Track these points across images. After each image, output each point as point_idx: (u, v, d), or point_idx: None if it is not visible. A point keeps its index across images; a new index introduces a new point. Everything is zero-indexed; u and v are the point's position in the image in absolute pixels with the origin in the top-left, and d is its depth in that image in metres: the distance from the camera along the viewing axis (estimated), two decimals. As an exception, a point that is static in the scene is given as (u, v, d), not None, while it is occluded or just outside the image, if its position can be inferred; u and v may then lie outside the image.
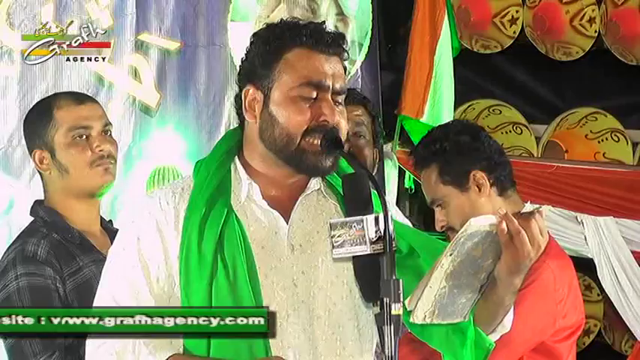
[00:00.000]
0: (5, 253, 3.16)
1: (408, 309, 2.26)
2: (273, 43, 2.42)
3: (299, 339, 2.36)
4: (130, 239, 2.40)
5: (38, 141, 3.24)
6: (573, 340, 3.34)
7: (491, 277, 2.29)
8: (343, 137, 2.40)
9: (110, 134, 3.28)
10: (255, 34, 2.48)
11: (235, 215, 2.37)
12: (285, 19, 2.49)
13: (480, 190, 3.38)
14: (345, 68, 2.45)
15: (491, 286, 2.31)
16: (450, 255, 2.20)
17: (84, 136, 3.21)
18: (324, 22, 2.49)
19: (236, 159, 2.46)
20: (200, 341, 2.31)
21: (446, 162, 3.39)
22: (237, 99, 2.48)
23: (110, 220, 3.41)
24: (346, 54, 2.44)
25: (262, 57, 2.43)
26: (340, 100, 2.41)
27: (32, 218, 3.25)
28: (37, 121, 3.27)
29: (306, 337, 2.37)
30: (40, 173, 3.29)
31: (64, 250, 3.12)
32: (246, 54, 2.49)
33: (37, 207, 3.26)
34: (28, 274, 3.05)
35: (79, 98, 3.34)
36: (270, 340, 2.30)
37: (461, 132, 3.45)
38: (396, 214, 2.60)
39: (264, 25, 2.51)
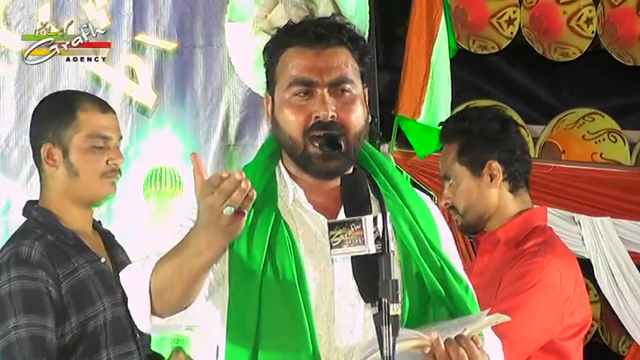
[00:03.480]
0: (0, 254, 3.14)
1: None
2: (271, 48, 2.43)
3: (345, 342, 2.34)
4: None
5: (52, 136, 3.18)
6: (581, 337, 3.34)
7: None
8: (355, 127, 2.37)
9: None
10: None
11: (284, 220, 2.37)
12: (290, 21, 2.48)
13: (491, 180, 3.38)
14: (358, 56, 2.41)
15: None
16: None
17: (101, 146, 3.19)
18: (321, 17, 2.46)
19: (280, 163, 2.46)
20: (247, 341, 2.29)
21: (467, 143, 3.39)
22: None
23: (99, 221, 3.38)
24: (353, 42, 2.40)
25: (266, 63, 2.45)
26: (346, 89, 2.37)
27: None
28: (55, 116, 3.21)
29: (352, 339, 2.34)
30: (39, 168, 3.23)
31: (59, 251, 3.09)
32: None
33: (30, 207, 3.22)
34: (21, 277, 3.02)
35: (102, 106, 3.30)
36: (319, 343, 2.29)
37: (492, 119, 3.45)
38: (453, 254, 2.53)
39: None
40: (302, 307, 2.29)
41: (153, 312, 2.26)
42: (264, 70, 2.47)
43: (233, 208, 2.11)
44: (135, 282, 2.29)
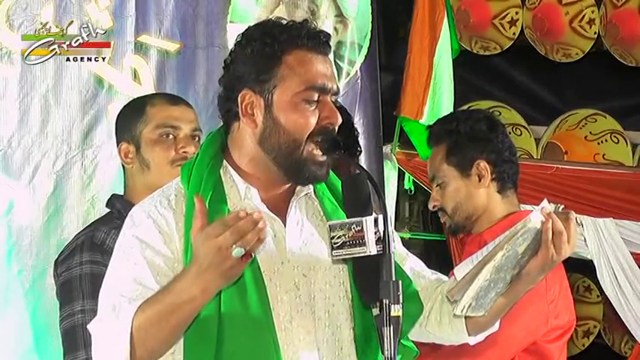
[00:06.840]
0: (76, 236, 3.19)
1: (452, 300, 2.31)
2: (271, 45, 2.37)
3: (303, 341, 2.36)
4: (130, 242, 2.36)
5: (126, 135, 3.28)
6: (564, 340, 3.35)
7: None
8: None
9: (198, 140, 3.28)
10: (244, 35, 2.42)
11: None
12: (273, 19, 2.45)
13: (479, 180, 3.39)
14: None
15: (514, 282, 2.33)
16: (504, 249, 2.22)
17: (171, 136, 3.23)
18: (306, 20, 2.46)
19: (225, 162, 2.43)
20: (209, 345, 2.28)
21: (456, 144, 3.41)
22: (223, 102, 2.43)
23: None
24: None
25: (259, 60, 2.37)
26: (335, 100, 2.42)
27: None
28: (129, 115, 3.31)
29: (310, 338, 2.36)
30: (123, 167, 3.32)
31: None
32: (235, 56, 2.42)
33: (114, 199, 3.30)
34: (92, 262, 3.06)
35: (174, 99, 3.39)
36: (280, 347, 2.30)
37: (481, 120, 3.47)
38: None
39: (252, 26, 2.44)
40: (261, 307, 2.29)
41: None
42: (249, 64, 2.37)
43: (243, 250, 2.09)
44: (111, 334, 2.25)
